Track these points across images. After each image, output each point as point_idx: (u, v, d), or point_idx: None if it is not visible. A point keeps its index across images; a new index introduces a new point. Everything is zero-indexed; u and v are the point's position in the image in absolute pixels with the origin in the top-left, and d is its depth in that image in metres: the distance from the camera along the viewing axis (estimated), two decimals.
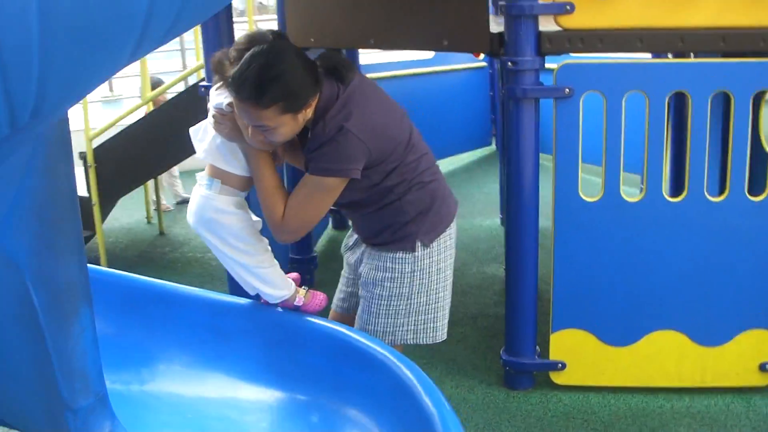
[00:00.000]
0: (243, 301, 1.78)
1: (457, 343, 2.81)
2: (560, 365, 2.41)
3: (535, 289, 2.42)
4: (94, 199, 3.73)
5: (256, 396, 1.63)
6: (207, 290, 1.88)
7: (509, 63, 2.21)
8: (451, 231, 1.82)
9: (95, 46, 0.81)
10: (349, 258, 1.93)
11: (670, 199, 2.26)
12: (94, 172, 3.70)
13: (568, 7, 2.15)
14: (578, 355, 2.40)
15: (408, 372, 1.43)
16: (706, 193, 2.23)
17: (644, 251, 2.30)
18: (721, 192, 2.26)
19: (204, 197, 1.59)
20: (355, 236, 1.91)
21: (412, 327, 1.78)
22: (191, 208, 1.62)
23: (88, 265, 1.26)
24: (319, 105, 1.56)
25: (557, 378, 2.43)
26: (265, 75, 1.44)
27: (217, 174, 1.60)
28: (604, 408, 2.34)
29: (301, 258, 3.52)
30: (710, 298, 2.30)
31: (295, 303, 1.69)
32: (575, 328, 2.38)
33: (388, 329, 1.76)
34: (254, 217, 1.68)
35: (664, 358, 2.35)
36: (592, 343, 2.38)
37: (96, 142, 3.71)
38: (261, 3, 9.88)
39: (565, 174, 2.28)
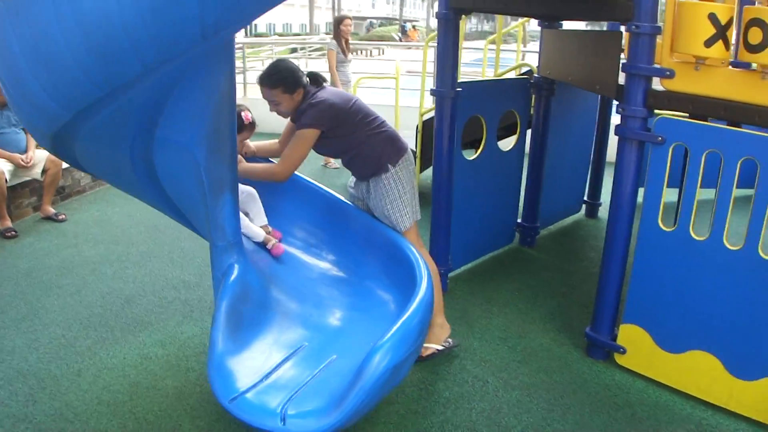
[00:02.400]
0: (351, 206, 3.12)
1: (579, 307, 3.63)
2: (622, 350, 3.05)
3: (618, 293, 3.08)
4: (418, 153, 5.42)
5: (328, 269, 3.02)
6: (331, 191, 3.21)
7: (621, 109, 2.88)
8: (408, 155, 3.00)
9: None
10: (352, 192, 3.16)
11: (729, 246, 2.63)
12: (420, 137, 5.36)
13: (668, 73, 2.70)
14: (637, 346, 3.00)
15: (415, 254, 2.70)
16: (760, 251, 2.54)
17: (703, 282, 2.73)
18: None
19: None
20: (354, 179, 3.11)
21: (410, 213, 2.99)
22: None
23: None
24: (305, 95, 2.83)
25: (618, 359, 3.08)
26: (273, 72, 2.78)
27: None
28: (639, 392, 2.92)
29: (527, 225, 4.63)
30: (750, 340, 2.62)
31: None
32: (638, 325, 2.97)
33: (401, 218, 2.95)
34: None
35: (700, 374, 2.78)
36: (648, 341, 2.95)
37: (425, 117, 5.35)
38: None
39: (651, 204, 2.84)
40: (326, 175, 6.62)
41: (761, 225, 2.55)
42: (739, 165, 2.57)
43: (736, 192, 2.59)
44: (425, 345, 3.07)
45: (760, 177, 2.52)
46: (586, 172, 5.21)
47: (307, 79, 2.90)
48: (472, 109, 3.83)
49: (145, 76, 1.92)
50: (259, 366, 2.40)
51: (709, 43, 2.53)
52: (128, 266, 4.26)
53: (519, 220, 4.71)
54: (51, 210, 5.04)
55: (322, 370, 2.42)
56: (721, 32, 2.52)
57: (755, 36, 2.44)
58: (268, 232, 3.08)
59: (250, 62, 12.27)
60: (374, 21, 48.96)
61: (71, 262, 4.29)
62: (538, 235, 4.74)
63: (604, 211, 5.34)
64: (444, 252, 3.92)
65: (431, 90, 3.69)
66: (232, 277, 2.55)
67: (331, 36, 6.59)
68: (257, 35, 35.93)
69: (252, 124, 3.05)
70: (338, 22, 6.44)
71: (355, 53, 22.09)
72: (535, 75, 4.38)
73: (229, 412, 2.16)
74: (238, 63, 12.31)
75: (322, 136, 2.84)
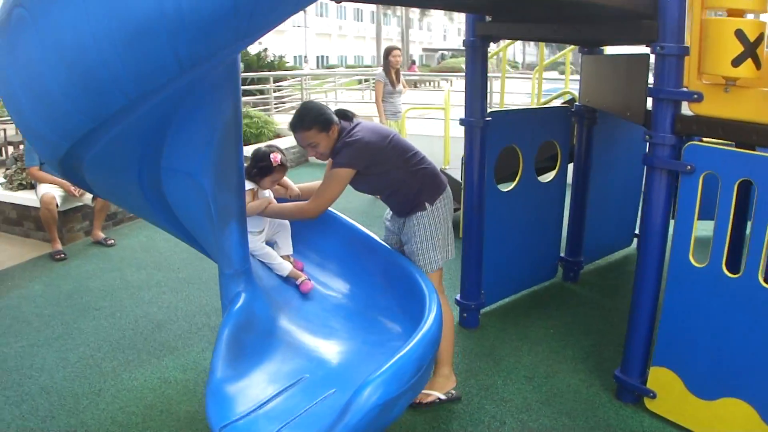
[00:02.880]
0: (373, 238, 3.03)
1: (615, 346, 3.40)
2: (652, 394, 2.82)
3: (649, 333, 2.86)
4: (463, 185, 5.31)
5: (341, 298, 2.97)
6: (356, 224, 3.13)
7: (647, 136, 2.71)
8: (447, 193, 2.88)
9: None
10: (388, 225, 3.04)
11: (764, 285, 2.39)
12: (465, 168, 5.26)
13: (695, 96, 2.53)
14: (667, 391, 2.76)
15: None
16: None
17: (737, 323, 2.49)
18: None
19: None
20: (390, 212, 2.99)
21: (441, 255, 2.86)
22: None
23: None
24: (340, 132, 2.72)
25: (648, 403, 2.85)
26: (304, 114, 2.67)
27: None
28: None
29: (570, 259, 4.44)
30: None
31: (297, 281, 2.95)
32: (669, 368, 2.74)
33: (429, 260, 2.82)
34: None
35: (735, 423, 2.52)
36: (679, 386, 2.71)
37: None
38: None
39: (681, 238, 2.64)
40: (376, 206, 6.60)
41: None
42: None
43: None
44: (427, 391, 2.94)
45: None
46: (637, 203, 4.93)
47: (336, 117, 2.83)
48: (505, 139, 3.72)
49: (134, 107, 1.94)
50: (255, 395, 2.36)
51: (737, 62, 2.35)
52: (165, 291, 4.36)
53: (562, 255, 4.51)
54: (101, 235, 5.26)
55: (318, 403, 2.35)
56: (751, 50, 2.33)
57: None
58: (290, 263, 3.07)
59: (315, 94, 12.54)
60: (446, 53, 49.26)
61: (112, 285, 4.44)
62: (582, 270, 4.52)
63: None
64: (475, 286, 3.79)
65: (460, 119, 3.62)
66: (237, 306, 2.54)
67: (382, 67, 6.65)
68: (329, 67, 36.89)
69: (282, 166, 2.97)
70: (387, 53, 6.49)
71: (423, 85, 22.26)
72: (576, 103, 4.23)
73: None
74: (296, 94, 12.63)
75: (359, 173, 2.74)
